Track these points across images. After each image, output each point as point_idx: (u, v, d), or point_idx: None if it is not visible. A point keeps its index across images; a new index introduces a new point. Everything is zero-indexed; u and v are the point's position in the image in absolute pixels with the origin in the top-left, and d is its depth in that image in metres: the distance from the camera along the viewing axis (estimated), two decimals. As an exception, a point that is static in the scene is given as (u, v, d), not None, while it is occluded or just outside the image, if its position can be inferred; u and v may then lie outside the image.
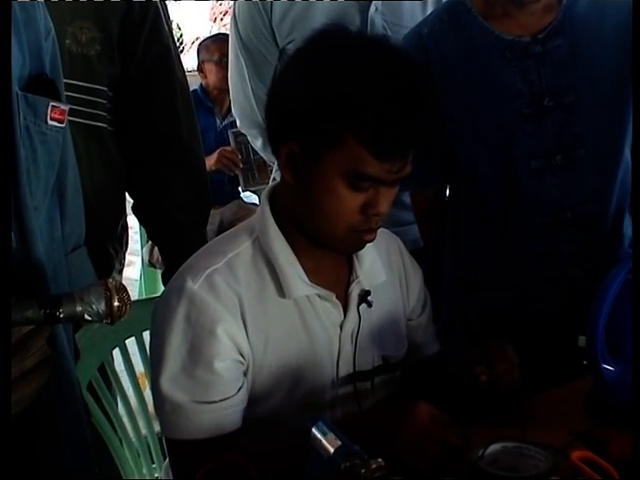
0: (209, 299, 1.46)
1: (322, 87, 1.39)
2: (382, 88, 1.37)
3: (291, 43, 2.27)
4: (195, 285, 1.46)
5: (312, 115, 1.40)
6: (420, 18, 2.24)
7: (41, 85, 1.36)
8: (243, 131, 2.71)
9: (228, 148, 4.26)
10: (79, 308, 1.20)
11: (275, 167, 2.55)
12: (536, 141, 1.90)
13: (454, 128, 1.96)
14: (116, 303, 1.22)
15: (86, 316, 1.21)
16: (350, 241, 1.49)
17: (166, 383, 1.45)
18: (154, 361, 1.49)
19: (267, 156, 2.65)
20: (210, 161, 4.10)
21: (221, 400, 1.45)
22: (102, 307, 1.21)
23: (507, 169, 1.93)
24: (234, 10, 2.44)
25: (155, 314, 1.52)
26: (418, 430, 1.37)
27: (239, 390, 1.48)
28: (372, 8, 2.22)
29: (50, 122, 1.37)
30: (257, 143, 2.63)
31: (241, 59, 2.43)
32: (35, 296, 1.21)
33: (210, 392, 1.45)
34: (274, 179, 2.59)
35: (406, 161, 1.43)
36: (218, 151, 4.22)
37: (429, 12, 2.27)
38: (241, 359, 1.48)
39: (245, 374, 1.50)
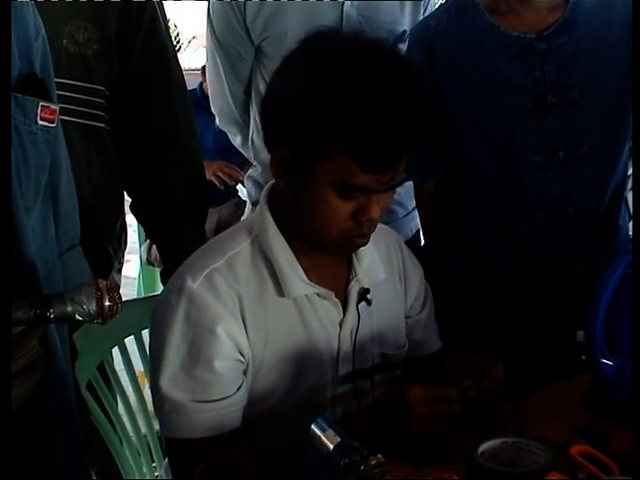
0: (209, 298, 1.46)
1: (311, 100, 1.38)
2: (372, 103, 1.36)
3: (266, 40, 2.26)
4: (195, 284, 1.46)
5: (302, 127, 1.39)
6: (399, 13, 2.24)
7: (31, 85, 1.35)
8: (223, 128, 2.72)
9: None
10: (70, 308, 1.20)
11: (255, 163, 2.56)
12: (539, 137, 1.91)
13: (457, 122, 1.98)
14: (107, 303, 1.22)
15: (77, 316, 1.20)
16: (343, 245, 1.50)
17: (166, 383, 1.45)
18: (154, 361, 1.49)
19: (247, 153, 2.65)
20: (207, 170, 4.11)
21: (221, 399, 1.45)
22: (93, 307, 1.21)
23: (510, 164, 1.95)
24: (208, 9, 2.43)
25: (155, 313, 1.52)
26: (413, 416, 1.38)
27: (239, 389, 1.48)
28: (347, 3, 2.20)
29: (40, 122, 1.36)
30: (236, 140, 2.65)
31: (217, 58, 2.43)
32: (25, 296, 1.21)
33: (210, 391, 1.45)
34: (249, 175, 2.60)
35: (397, 171, 1.42)
36: (218, 163, 4.22)
37: (407, 7, 2.27)
38: (241, 358, 1.48)
39: (245, 373, 1.50)
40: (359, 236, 1.48)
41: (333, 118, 1.36)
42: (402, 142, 1.39)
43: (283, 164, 1.46)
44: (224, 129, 2.72)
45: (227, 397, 1.46)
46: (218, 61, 2.44)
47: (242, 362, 1.49)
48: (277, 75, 1.50)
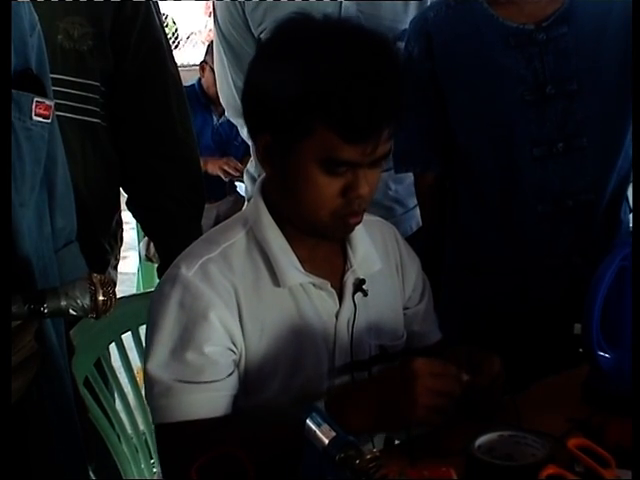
0: (203, 287, 1.46)
1: (288, 79, 1.39)
2: (346, 74, 1.37)
3: (264, 31, 2.28)
4: (189, 273, 1.47)
5: (280, 107, 1.41)
6: (401, 11, 2.24)
7: (26, 81, 1.36)
8: (231, 120, 2.75)
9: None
10: (64, 303, 1.20)
11: (252, 158, 2.58)
12: (538, 128, 1.91)
13: (456, 113, 1.98)
14: (101, 297, 1.22)
15: (71, 311, 1.20)
16: (336, 226, 1.49)
17: (155, 366, 1.45)
18: (146, 347, 1.49)
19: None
20: (214, 165, 4.12)
21: (211, 382, 1.44)
22: (87, 302, 1.21)
23: (509, 155, 1.94)
24: (213, 3, 2.49)
25: (150, 304, 1.53)
26: (420, 385, 1.36)
27: (229, 376, 1.47)
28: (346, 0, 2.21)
29: (35, 118, 1.37)
30: (244, 132, 2.66)
31: (221, 50, 2.46)
32: (20, 292, 1.21)
33: (200, 375, 1.44)
34: (247, 170, 2.62)
35: (378, 141, 1.42)
36: (224, 159, 4.22)
37: (410, 6, 2.26)
38: (232, 347, 1.48)
39: (237, 364, 1.49)
40: (350, 215, 1.48)
41: (310, 93, 1.38)
42: (379, 109, 1.40)
43: (267, 150, 1.47)
44: (232, 121, 2.76)
45: (217, 381, 1.45)
46: (222, 53, 2.47)
47: (233, 352, 1.48)
48: (252, 65, 1.52)
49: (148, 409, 1.76)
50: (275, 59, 1.44)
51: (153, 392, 1.45)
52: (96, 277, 1.23)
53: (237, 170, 4.23)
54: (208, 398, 1.45)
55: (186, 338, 1.44)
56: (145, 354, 1.49)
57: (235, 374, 1.49)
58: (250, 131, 1.52)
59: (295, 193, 1.46)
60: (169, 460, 1.50)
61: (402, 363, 1.42)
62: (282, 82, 1.40)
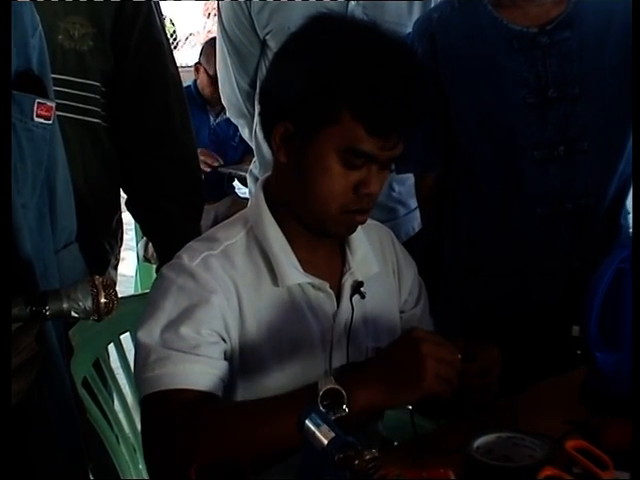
0: (207, 276, 1.47)
1: (319, 67, 1.42)
2: (377, 67, 1.41)
3: (270, 33, 2.29)
4: (193, 263, 1.48)
5: (309, 94, 1.43)
6: (405, 15, 2.26)
7: (28, 82, 1.36)
8: (232, 120, 2.78)
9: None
10: (65, 305, 1.19)
11: (254, 158, 2.59)
12: (540, 131, 1.92)
13: (458, 115, 1.98)
14: (103, 300, 1.21)
15: (73, 313, 1.20)
16: (343, 222, 1.51)
17: (150, 337, 1.43)
18: (141, 322, 1.47)
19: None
20: None
21: (207, 357, 1.43)
22: (89, 304, 1.20)
23: (510, 158, 1.95)
24: (218, 3, 2.51)
25: (151, 289, 1.53)
26: (425, 351, 1.36)
27: (222, 360, 1.46)
28: (352, 2, 2.23)
29: (36, 119, 1.37)
30: (245, 132, 2.68)
31: (225, 50, 2.48)
32: (21, 293, 1.20)
33: (197, 350, 1.43)
34: (250, 171, 2.62)
35: (399, 139, 1.46)
36: (200, 150, 4.19)
37: (415, 9, 2.28)
38: (225, 336, 1.47)
39: (229, 360, 1.48)
40: (358, 212, 1.50)
41: (340, 81, 1.40)
42: (405, 104, 1.43)
43: (285, 138, 1.48)
44: (233, 121, 2.78)
45: (212, 358, 1.44)
46: (226, 53, 2.50)
47: (225, 342, 1.48)
48: (279, 55, 1.55)
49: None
50: (306, 48, 1.47)
51: (148, 361, 1.42)
52: (98, 279, 1.22)
53: (207, 165, 4.21)
54: (203, 370, 1.42)
55: (185, 316, 1.44)
56: (138, 328, 1.47)
57: (227, 364, 1.47)
58: (266, 120, 1.53)
59: (309, 184, 1.47)
60: (156, 434, 1.43)
61: (404, 334, 1.44)
62: (314, 68, 1.43)
